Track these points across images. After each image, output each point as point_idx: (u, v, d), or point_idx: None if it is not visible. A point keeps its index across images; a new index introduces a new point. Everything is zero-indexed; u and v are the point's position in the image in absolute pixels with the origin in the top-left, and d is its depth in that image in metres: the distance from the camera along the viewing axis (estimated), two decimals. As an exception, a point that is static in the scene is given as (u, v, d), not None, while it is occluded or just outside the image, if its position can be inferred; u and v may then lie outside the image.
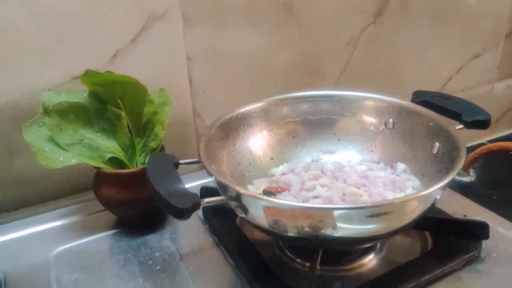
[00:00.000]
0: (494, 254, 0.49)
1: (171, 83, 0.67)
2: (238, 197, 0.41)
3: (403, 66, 0.90)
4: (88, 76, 0.53)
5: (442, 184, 0.40)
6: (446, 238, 0.50)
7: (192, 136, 0.73)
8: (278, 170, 0.57)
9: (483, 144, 0.78)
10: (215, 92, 0.72)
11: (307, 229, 0.39)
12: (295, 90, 0.62)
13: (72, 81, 0.60)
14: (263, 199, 0.39)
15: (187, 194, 0.39)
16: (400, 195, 0.50)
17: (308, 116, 0.60)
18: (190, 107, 0.72)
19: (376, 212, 0.39)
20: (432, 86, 0.97)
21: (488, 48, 1.00)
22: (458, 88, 1.00)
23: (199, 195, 0.55)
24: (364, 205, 0.38)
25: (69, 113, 0.53)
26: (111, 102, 0.55)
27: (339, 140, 0.59)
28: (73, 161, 0.52)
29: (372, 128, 0.58)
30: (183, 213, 0.37)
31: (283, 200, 0.38)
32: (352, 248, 0.48)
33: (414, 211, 0.42)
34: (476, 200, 0.63)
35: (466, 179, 0.81)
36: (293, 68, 0.77)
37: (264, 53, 0.74)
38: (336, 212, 0.37)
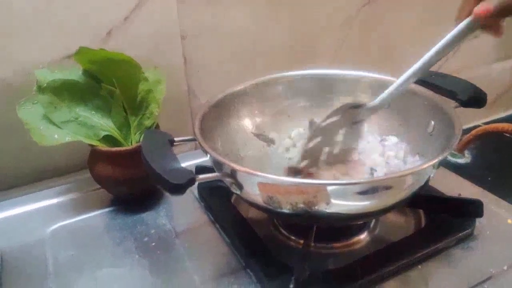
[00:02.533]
0: (488, 232, 0.50)
1: (166, 62, 0.67)
2: (233, 174, 0.41)
3: (399, 46, 0.89)
4: (81, 53, 0.52)
5: (436, 160, 0.40)
6: (440, 216, 0.51)
7: (187, 115, 0.73)
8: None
9: (478, 126, 0.78)
10: (210, 71, 0.72)
11: (301, 205, 0.39)
12: (290, 69, 0.61)
13: (65, 60, 0.59)
14: (257, 175, 0.39)
15: (182, 170, 0.39)
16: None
17: (303, 95, 0.59)
18: (185, 86, 0.71)
19: (369, 188, 0.39)
20: (429, 66, 0.96)
21: (486, 29, 0.99)
22: (454, 68, 0.99)
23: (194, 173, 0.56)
24: (357, 181, 0.38)
25: (63, 90, 0.53)
26: (105, 80, 0.55)
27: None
28: (68, 138, 0.52)
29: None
30: (178, 189, 0.37)
31: (277, 176, 0.38)
32: (346, 224, 0.49)
33: (407, 188, 0.42)
34: (470, 181, 0.64)
35: (461, 160, 0.82)
36: (288, 47, 0.76)
37: (259, 31, 0.73)
38: (329, 188, 0.38)
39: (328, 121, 0.50)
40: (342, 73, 0.59)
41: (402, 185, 0.41)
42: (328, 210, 0.40)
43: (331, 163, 0.51)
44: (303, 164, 0.51)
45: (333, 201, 0.39)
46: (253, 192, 0.41)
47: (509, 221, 0.51)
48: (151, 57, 0.65)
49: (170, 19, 0.65)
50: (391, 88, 0.47)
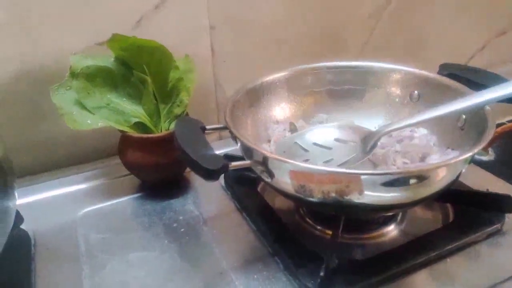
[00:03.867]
0: (517, 228, 0.49)
1: (193, 51, 0.67)
2: (264, 161, 0.41)
3: (426, 40, 0.88)
4: (114, 40, 0.53)
5: (470, 153, 0.39)
6: (468, 211, 0.50)
7: (213, 105, 0.74)
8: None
9: (503, 123, 0.77)
10: (236, 62, 0.72)
11: (333, 194, 0.39)
12: (317, 60, 0.61)
13: (95, 47, 0.60)
14: (290, 163, 0.40)
15: (216, 156, 0.40)
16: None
17: (331, 87, 0.59)
18: (211, 76, 0.72)
19: (402, 178, 0.39)
20: (456, 61, 0.95)
21: (515, 25, 0.98)
22: (482, 65, 0.97)
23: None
24: (392, 171, 0.38)
25: (96, 77, 0.54)
26: (137, 68, 0.56)
27: (363, 111, 0.59)
28: (100, 124, 0.53)
29: (397, 100, 0.58)
30: (213, 174, 0.38)
31: (311, 165, 0.39)
32: (375, 216, 0.49)
33: (439, 182, 0.42)
34: (496, 178, 0.63)
35: (485, 158, 0.81)
36: (315, 39, 0.76)
37: (286, 23, 0.73)
38: (363, 178, 0.38)
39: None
40: (372, 65, 0.59)
41: (435, 178, 0.41)
42: (360, 201, 0.40)
43: None
44: None
45: (365, 191, 0.39)
46: (284, 180, 0.42)
47: (538, 217, 0.50)
48: (179, 47, 0.65)
49: (199, 9, 0.66)
50: (402, 124, 0.47)
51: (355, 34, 0.80)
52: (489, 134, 0.42)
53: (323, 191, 0.40)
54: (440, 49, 0.91)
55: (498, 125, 0.77)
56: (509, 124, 0.77)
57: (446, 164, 0.39)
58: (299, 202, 0.48)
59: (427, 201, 0.52)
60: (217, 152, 0.62)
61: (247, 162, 0.42)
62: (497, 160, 0.84)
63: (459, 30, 0.91)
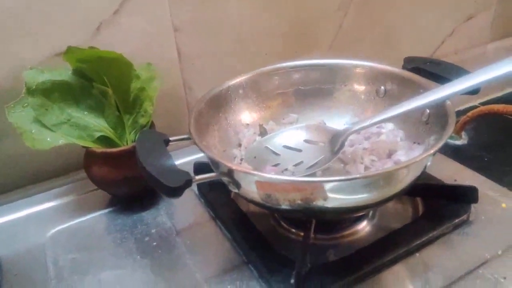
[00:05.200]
0: (483, 217, 0.50)
1: (159, 55, 0.66)
2: (230, 173, 0.41)
3: (396, 29, 0.89)
4: (70, 53, 0.51)
5: (431, 152, 0.40)
6: (436, 203, 0.51)
7: (184, 109, 0.72)
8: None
9: (475, 106, 0.78)
10: (205, 63, 0.71)
11: (299, 201, 0.39)
12: (287, 58, 0.60)
13: (55, 57, 0.58)
14: (255, 174, 0.39)
15: (178, 171, 0.39)
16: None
17: (299, 87, 0.59)
18: (180, 80, 0.70)
19: (367, 182, 0.39)
20: (425, 48, 0.96)
21: (481, 9, 0.99)
22: (451, 50, 0.99)
23: (193, 170, 0.56)
24: (353, 177, 0.38)
25: (53, 92, 0.52)
26: (96, 79, 0.54)
27: (332, 109, 0.59)
28: (61, 141, 0.51)
29: (363, 96, 0.58)
30: (175, 192, 0.37)
31: (274, 175, 0.38)
32: (345, 217, 0.49)
33: (404, 180, 0.42)
34: (467, 162, 0.64)
35: (459, 142, 0.82)
36: (284, 35, 0.75)
37: (254, 20, 0.72)
38: (326, 185, 0.38)
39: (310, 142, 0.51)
40: (338, 62, 0.58)
41: (398, 177, 0.41)
42: (327, 205, 0.40)
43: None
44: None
45: (330, 196, 0.39)
46: (251, 190, 0.41)
47: (503, 205, 0.52)
48: (144, 51, 0.64)
49: (161, 11, 0.64)
50: (367, 123, 0.46)
51: (324, 29, 0.79)
52: (449, 130, 0.42)
53: (289, 199, 0.40)
54: (410, 37, 0.91)
55: (470, 108, 0.78)
56: (480, 108, 0.78)
57: (406, 165, 0.39)
58: (269, 209, 0.48)
59: (397, 198, 0.53)
60: (191, 158, 0.62)
61: (212, 175, 0.42)
62: (470, 144, 0.86)
63: (428, 17, 0.92)
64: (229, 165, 0.40)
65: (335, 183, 0.38)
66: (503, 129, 0.85)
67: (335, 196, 0.39)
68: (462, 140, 0.88)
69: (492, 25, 1.03)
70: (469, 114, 0.79)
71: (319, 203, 0.39)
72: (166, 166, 0.39)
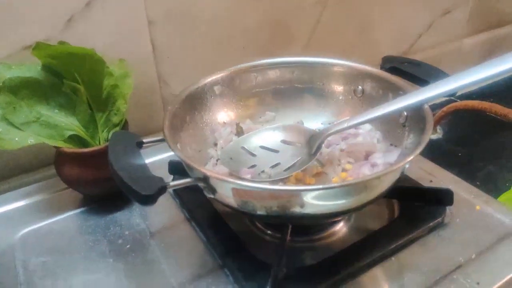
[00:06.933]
0: (457, 220, 0.51)
1: (133, 49, 0.64)
2: (205, 179, 0.40)
3: (374, 24, 0.88)
4: (39, 48, 0.49)
5: (408, 159, 0.40)
6: (412, 205, 0.51)
7: (159, 103, 0.71)
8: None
9: (451, 101, 0.79)
10: (181, 57, 0.69)
11: (276, 208, 0.39)
12: (264, 52, 0.60)
13: (23, 51, 0.56)
14: (231, 182, 0.38)
15: (151, 178, 0.38)
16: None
17: (276, 86, 0.58)
18: (155, 74, 0.68)
19: (344, 190, 0.39)
20: (403, 43, 0.96)
21: (458, 4, 0.99)
22: (428, 44, 0.99)
23: (168, 169, 0.55)
24: (330, 186, 0.38)
25: (22, 89, 0.50)
26: (67, 76, 0.52)
27: (310, 109, 0.58)
28: (30, 141, 0.49)
29: (341, 97, 0.57)
30: (148, 199, 0.36)
31: (251, 183, 0.38)
32: (324, 222, 0.49)
33: (383, 185, 0.42)
34: (442, 157, 0.65)
35: (434, 136, 0.83)
36: (262, 29, 0.74)
37: (231, 14, 0.70)
38: (304, 193, 0.37)
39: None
40: (315, 60, 0.58)
41: (378, 184, 0.41)
42: (304, 212, 0.39)
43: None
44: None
45: (307, 203, 0.38)
46: (227, 196, 0.41)
47: (477, 207, 0.52)
48: (117, 45, 0.61)
49: (135, 3, 0.62)
50: (345, 125, 0.46)
51: (302, 24, 0.78)
52: (427, 136, 0.42)
53: (266, 206, 0.39)
54: (388, 32, 0.91)
55: (446, 102, 0.79)
56: (455, 104, 0.79)
57: (384, 173, 0.39)
58: (245, 215, 0.47)
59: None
60: (167, 154, 0.61)
61: (187, 181, 0.41)
62: (444, 138, 0.87)
63: (405, 12, 0.92)
64: (204, 171, 0.39)
65: (313, 192, 0.37)
66: (477, 124, 0.86)
67: (313, 203, 0.39)
68: (437, 135, 0.89)
69: (469, 20, 1.04)
70: (444, 109, 0.80)
71: (296, 210, 0.39)
72: (139, 172, 0.38)
